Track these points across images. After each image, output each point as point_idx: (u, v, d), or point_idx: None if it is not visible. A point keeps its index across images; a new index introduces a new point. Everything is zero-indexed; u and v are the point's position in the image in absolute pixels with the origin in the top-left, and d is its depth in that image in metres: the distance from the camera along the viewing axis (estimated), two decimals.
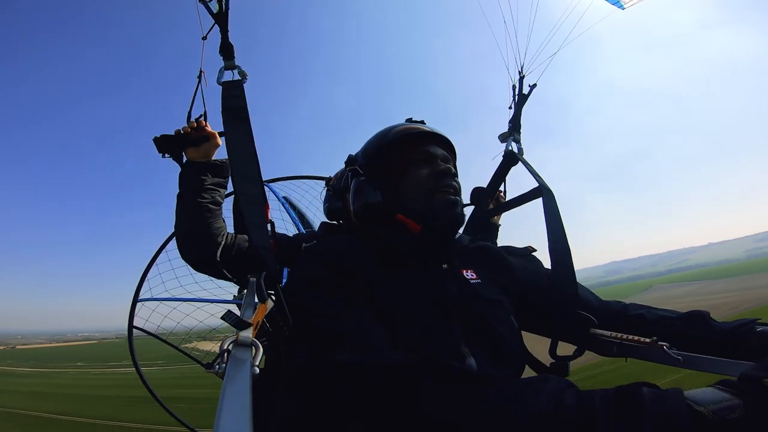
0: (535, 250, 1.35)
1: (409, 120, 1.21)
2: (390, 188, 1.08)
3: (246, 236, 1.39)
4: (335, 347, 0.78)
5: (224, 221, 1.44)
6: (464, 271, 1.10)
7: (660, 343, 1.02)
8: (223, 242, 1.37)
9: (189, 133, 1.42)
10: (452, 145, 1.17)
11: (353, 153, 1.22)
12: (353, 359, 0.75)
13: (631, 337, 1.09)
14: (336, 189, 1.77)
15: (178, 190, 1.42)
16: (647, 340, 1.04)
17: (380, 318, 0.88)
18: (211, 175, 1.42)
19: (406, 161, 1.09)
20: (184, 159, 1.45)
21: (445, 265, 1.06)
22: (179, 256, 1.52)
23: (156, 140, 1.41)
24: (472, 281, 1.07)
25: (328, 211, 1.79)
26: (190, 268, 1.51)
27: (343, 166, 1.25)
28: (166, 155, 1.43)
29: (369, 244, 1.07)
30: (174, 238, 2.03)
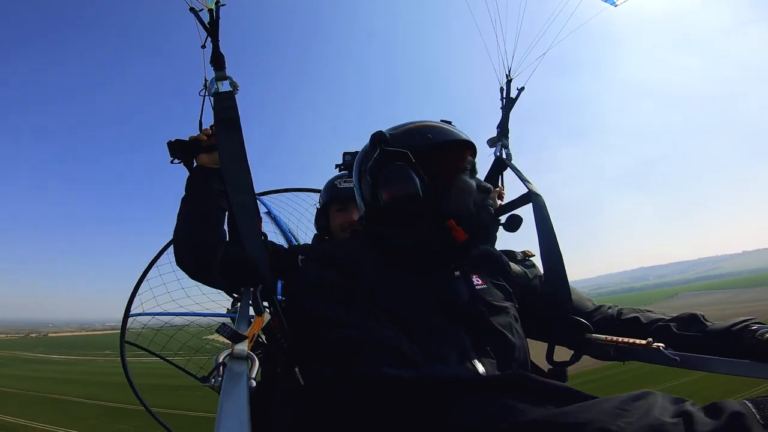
0: (533, 255, 1.32)
1: (446, 122, 1.16)
2: (437, 187, 1.03)
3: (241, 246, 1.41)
4: (355, 358, 0.74)
5: (225, 230, 1.43)
6: (471, 277, 1.09)
7: (656, 344, 1.02)
8: (222, 249, 1.35)
9: (203, 140, 1.43)
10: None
11: (382, 130, 1.12)
12: (396, 372, 0.69)
13: (626, 339, 1.09)
14: (323, 205, 1.77)
15: (183, 194, 1.42)
16: (643, 341, 1.05)
17: (394, 324, 0.85)
18: (220, 182, 1.40)
19: (457, 167, 1.07)
20: (194, 165, 1.45)
21: (457, 272, 1.05)
22: (172, 270, 1.53)
23: (170, 144, 1.43)
24: (478, 287, 1.06)
25: (317, 228, 1.83)
26: (182, 282, 1.52)
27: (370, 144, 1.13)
28: (176, 160, 1.44)
29: (374, 245, 1.04)
30: (163, 252, 2.00)
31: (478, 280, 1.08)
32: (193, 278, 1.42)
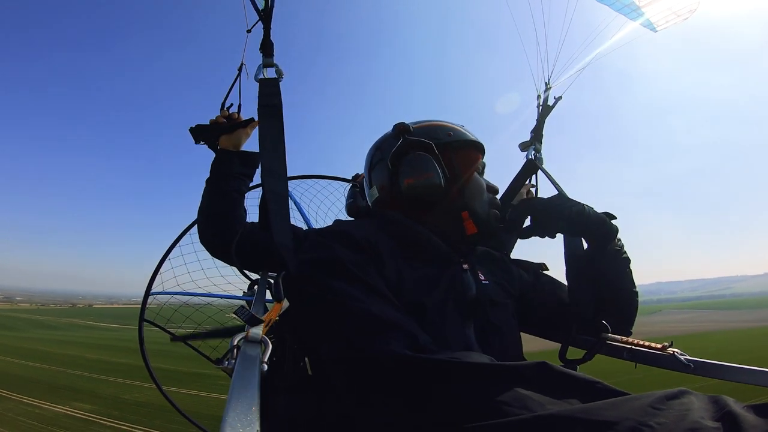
0: (547, 270, 1.34)
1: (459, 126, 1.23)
2: (455, 181, 1.10)
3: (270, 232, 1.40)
4: (372, 336, 0.72)
5: (246, 211, 1.48)
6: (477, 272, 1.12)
7: (671, 349, 1.03)
8: (241, 230, 1.39)
9: (221, 122, 1.49)
10: None
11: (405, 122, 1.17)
12: (412, 354, 0.66)
13: (641, 342, 1.10)
14: (363, 187, 1.69)
15: (208, 175, 1.47)
16: (658, 346, 1.06)
17: (408, 310, 0.85)
18: (240, 164, 1.48)
19: (474, 167, 1.14)
20: (218, 147, 1.51)
21: (465, 266, 1.08)
22: (193, 251, 1.61)
23: (191, 130, 1.50)
24: (483, 282, 1.09)
25: (353, 207, 1.76)
26: (202, 263, 1.60)
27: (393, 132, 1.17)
28: (201, 142, 1.51)
29: (386, 229, 1.04)
30: (186, 233, 2.07)
31: (482, 276, 1.11)
32: (213, 256, 1.49)
